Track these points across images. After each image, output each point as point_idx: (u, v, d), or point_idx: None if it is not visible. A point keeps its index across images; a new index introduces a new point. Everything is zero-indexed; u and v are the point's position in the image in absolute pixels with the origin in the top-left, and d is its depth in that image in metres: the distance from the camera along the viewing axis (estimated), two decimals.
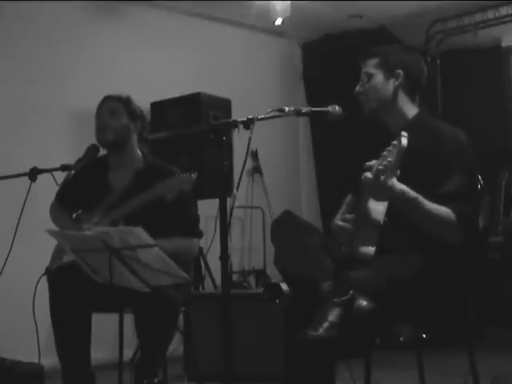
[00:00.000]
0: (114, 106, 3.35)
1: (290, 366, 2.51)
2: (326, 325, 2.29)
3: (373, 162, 2.35)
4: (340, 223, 2.58)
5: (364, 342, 2.53)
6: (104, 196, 3.31)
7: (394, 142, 2.29)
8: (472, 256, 2.58)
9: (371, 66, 2.68)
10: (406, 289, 2.40)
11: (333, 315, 2.31)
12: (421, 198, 2.39)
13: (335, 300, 2.33)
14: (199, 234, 3.30)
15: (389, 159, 2.27)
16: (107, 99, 3.39)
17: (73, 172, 3.30)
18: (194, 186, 3.12)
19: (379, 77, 2.66)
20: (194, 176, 3.09)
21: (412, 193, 2.38)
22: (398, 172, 2.30)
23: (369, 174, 2.35)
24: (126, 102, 3.36)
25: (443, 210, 2.41)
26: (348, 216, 2.59)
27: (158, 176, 3.20)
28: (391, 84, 2.66)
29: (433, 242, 2.45)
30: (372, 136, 2.80)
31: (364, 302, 2.33)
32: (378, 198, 2.42)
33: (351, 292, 2.34)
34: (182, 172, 3.19)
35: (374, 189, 2.35)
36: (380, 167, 2.29)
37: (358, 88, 2.71)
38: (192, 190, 3.13)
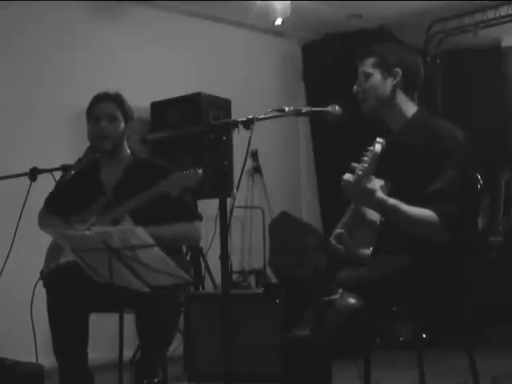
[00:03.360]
0: (113, 112, 3.29)
1: (284, 366, 2.52)
2: (312, 324, 2.30)
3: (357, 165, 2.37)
4: (333, 242, 2.60)
5: (364, 342, 2.53)
6: (96, 196, 3.30)
7: (370, 148, 2.33)
8: (468, 255, 2.58)
9: (368, 66, 2.67)
10: (401, 286, 2.41)
11: (320, 314, 2.31)
12: (400, 205, 2.41)
13: (324, 299, 2.34)
14: (199, 217, 3.29)
15: (364, 165, 2.31)
16: (104, 101, 3.32)
17: (66, 174, 3.29)
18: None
19: (377, 76, 2.66)
20: (199, 171, 3.08)
21: (391, 201, 2.40)
22: (373, 177, 2.33)
23: (349, 177, 2.37)
24: (122, 106, 3.32)
25: (425, 214, 2.43)
26: (341, 233, 2.60)
27: (148, 170, 3.27)
28: (389, 83, 2.66)
29: (427, 241, 2.45)
30: (372, 135, 2.80)
31: (352, 300, 2.34)
32: (361, 204, 2.45)
33: (340, 291, 2.35)
34: (177, 168, 3.20)
35: (355, 194, 2.38)
36: (359, 172, 2.33)
37: (355, 87, 2.71)
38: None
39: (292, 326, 2.42)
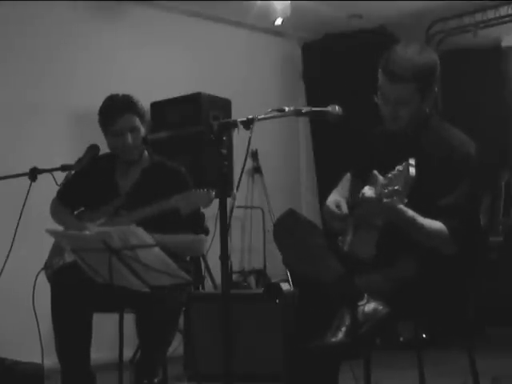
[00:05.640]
0: (134, 123, 3.24)
1: (296, 368, 2.52)
2: (344, 330, 2.30)
3: (380, 178, 2.33)
4: (331, 209, 2.59)
5: (364, 342, 2.53)
6: (110, 196, 3.30)
7: (401, 169, 2.24)
8: (472, 259, 2.59)
9: (408, 90, 2.53)
10: (412, 290, 2.41)
11: (356, 320, 2.31)
12: (418, 218, 2.40)
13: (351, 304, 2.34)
14: (205, 230, 3.29)
15: (396, 187, 2.21)
16: (125, 113, 3.23)
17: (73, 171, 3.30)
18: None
19: (416, 101, 2.56)
20: (213, 194, 3.08)
21: (410, 212, 2.38)
22: (406, 200, 2.26)
23: (369, 192, 2.34)
24: (139, 112, 3.27)
25: (437, 227, 2.43)
26: (342, 201, 2.60)
27: (164, 174, 3.27)
28: (425, 105, 2.60)
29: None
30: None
31: (380, 306, 2.34)
32: (379, 217, 2.42)
33: (366, 296, 2.35)
34: (192, 178, 3.24)
35: (375, 209, 2.35)
36: (385, 191, 2.25)
37: (392, 111, 2.58)
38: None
39: (308, 329, 2.42)
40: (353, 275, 2.41)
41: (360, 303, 2.34)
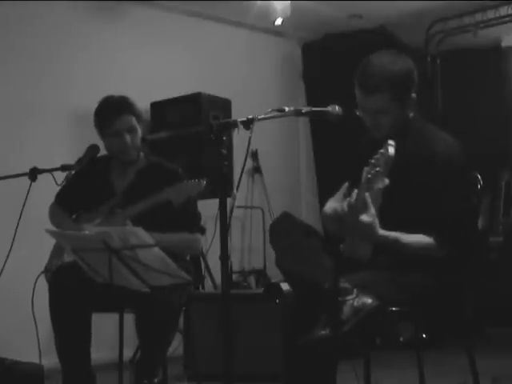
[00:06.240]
0: (132, 124, 3.25)
1: (293, 367, 2.52)
2: (332, 324, 2.30)
3: (364, 174, 2.36)
4: (328, 213, 2.61)
5: (364, 342, 2.53)
6: (106, 196, 3.31)
7: (382, 151, 2.32)
8: (467, 260, 2.59)
9: (384, 101, 2.53)
10: (406, 288, 2.41)
11: (339, 314, 2.32)
12: (400, 239, 2.42)
13: (340, 299, 2.34)
14: (201, 230, 3.29)
15: (377, 169, 2.31)
16: (122, 114, 3.24)
17: (73, 172, 3.30)
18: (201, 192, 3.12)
19: (394, 110, 2.56)
20: (203, 182, 3.09)
21: (392, 236, 2.41)
22: (387, 181, 2.32)
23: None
24: (136, 113, 3.28)
25: (423, 242, 2.44)
26: (338, 207, 2.61)
27: (161, 174, 3.26)
28: (406, 111, 2.61)
29: None
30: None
31: (369, 300, 2.34)
32: (357, 237, 2.44)
33: (355, 290, 2.35)
34: (188, 177, 3.20)
35: (352, 227, 2.37)
36: (369, 176, 2.32)
37: (371, 120, 2.60)
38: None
39: (301, 327, 2.43)
40: (343, 270, 2.42)
41: (349, 297, 2.35)
